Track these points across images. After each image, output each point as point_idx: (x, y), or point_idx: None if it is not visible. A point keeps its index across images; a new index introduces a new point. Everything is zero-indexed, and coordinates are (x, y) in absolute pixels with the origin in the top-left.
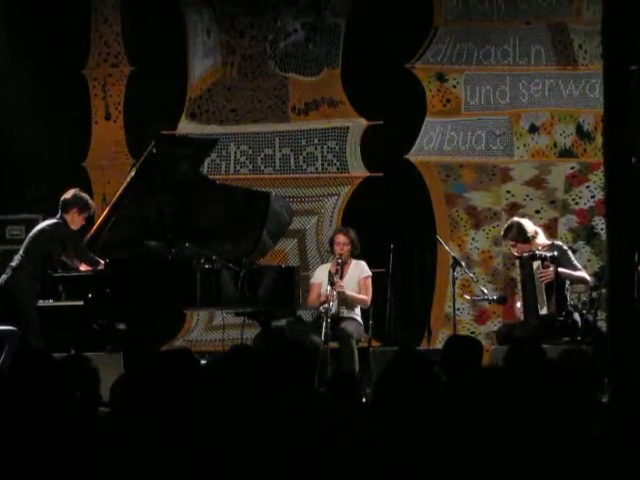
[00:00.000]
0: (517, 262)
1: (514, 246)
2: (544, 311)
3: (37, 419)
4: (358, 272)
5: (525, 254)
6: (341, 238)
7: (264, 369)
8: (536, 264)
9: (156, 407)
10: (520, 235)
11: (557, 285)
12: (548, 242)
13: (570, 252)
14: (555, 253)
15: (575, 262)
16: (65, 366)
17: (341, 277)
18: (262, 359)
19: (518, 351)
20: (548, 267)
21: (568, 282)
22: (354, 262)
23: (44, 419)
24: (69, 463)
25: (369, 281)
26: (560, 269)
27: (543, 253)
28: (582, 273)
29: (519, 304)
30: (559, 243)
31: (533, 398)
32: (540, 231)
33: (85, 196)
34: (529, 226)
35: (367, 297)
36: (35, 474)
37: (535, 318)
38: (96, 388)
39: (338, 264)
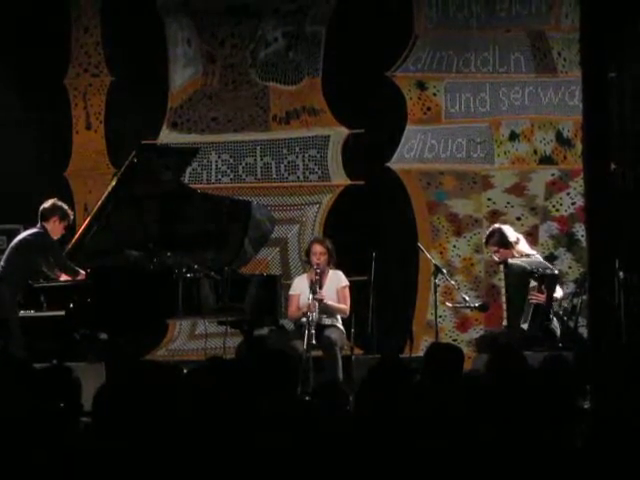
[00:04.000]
0: (501, 267)
1: (496, 252)
2: (524, 326)
3: (18, 429)
4: (336, 282)
5: (525, 265)
6: (317, 248)
7: (246, 378)
8: (533, 283)
9: (138, 417)
10: (502, 241)
11: (544, 309)
12: (530, 251)
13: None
14: (556, 272)
15: None
16: (46, 376)
17: (320, 287)
18: (242, 368)
19: (501, 358)
20: (542, 292)
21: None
22: (331, 272)
23: (25, 429)
24: (50, 474)
25: (347, 291)
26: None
27: (544, 271)
28: (558, 292)
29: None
30: (539, 257)
31: (514, 405)
32: (522, 238)
33: (64, 205)
34: (511, 232)
35: (346, 306)
36: None
37: (514, 328)
38: (78, 398)
39: (317, 274)
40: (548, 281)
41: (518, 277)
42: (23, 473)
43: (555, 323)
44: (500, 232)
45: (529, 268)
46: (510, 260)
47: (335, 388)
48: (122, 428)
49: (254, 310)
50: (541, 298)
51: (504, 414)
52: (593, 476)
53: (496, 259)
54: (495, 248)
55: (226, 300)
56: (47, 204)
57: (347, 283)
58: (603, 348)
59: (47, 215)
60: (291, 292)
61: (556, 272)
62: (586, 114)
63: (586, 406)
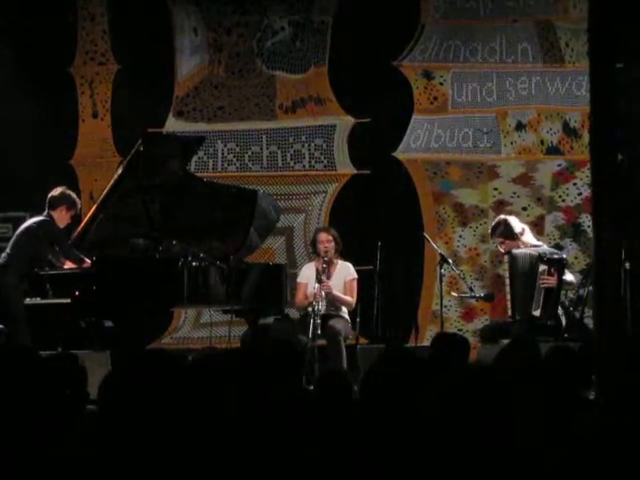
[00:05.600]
0: (506, 257)
1: (502, 243)
2: (537, 313)
3: (23, 417)
4: (344, 273)
5: (532, 252)
6: (324, 237)
7: (250, 367)
8: (542, 267)
9: (144, 405)
10: (507, 232)
11: (556, 292)
12: (536, 242)
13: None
14: (564, 256)
15: None
16: (52, 364)
17: (328, 277)
18: (246, 357)
19: (518, 348)
20: (552, 275)
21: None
22: (340, 263)
23: (30, 417)
24: (55, 461)
25: (355, 283)
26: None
27: (553, 256)
28: (569, 276)
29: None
30: (545, 246)
31: (520, 395)
32: (527, 229)
33: (73, 194)
34: (516, 223)
35: (352, 299)
36: (20, 472)
37: (525, 316)
38: (83, 386)
39: (324, 262)
40: (557, 264)
41: (526, 264)
42: (28, 461)
43: (560, 312)
44: (505, 223)
45: (536, 254)
46: (514, 250)
47: (338, 377)
48: (128, 416)
49: (259, 299)
50: (552, 281)
51: (508, 404)
52: (598, 467)
53: (502, 250)
54: (501, 239)
55: (232, 289)
56: (56, 192)
57: (355, 276)
58: (608, 338)
59: (55, 203)
60: (299, 280)
61: (564, 256)
62: (593, 104)
63: (591, 397)
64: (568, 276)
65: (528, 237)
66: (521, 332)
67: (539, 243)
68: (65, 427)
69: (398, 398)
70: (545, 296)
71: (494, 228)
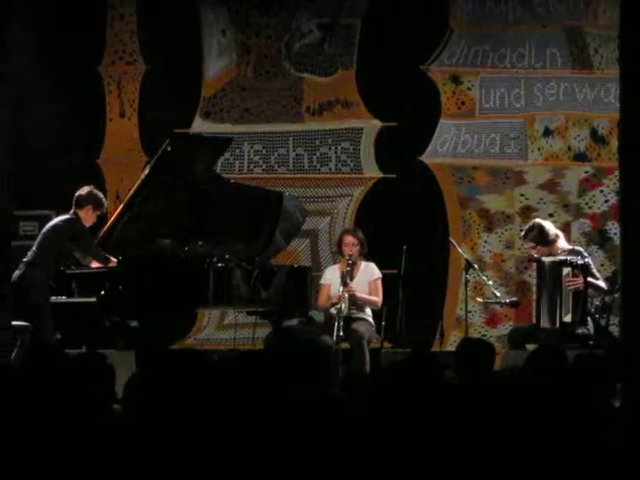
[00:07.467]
0: (534, 264)
1: (534, 247)
2: (568, 318)
3: (49, 415)
4: (368, 274)
5: (555, 258)
6: (349, 239)
7: (275, 368)
8: (566, 270)
9: (170, 405)
10: (541, 237)
11: (583, 295)
12: (569, 247)
13: (590, 259)
14: (587, 260)
15: (594, 270)
16: (80, 363)
17: (351, 279)
18: (270, 359)
19: (545, 355)
20: (577, 276)
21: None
22: (364, 264)
23: (56, 415)
24: (81, 460)
25: (379, 283)
26: (588, 279)
27: (574, 260)
28: (600, 282)
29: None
30: (580, 249)
31: (546, 402)
32: (561, 235)
33: (100, 194)
34: (551, 229)
35: (378, 299)
36: (47, 471)
37: (554, 323)
38: (111, 385)
39: (349, 265)
40: (580, 267)
41: (553, 270)
42: (56, 459)
43: (589, 321)
44: (540, 228)
45: (559, 259)
46: (543, 258)
47: (362, 380)
48: (154, 416)
49: (283, 301)
50: (578, 282)
51: (534, 411)
52: (623, 475)
53: (534, 254)
54: (532, 244)
55: (256, 290)
56: (83, 191)
57: (380, 275)
58: (635, 346)
59: (81, 202)
60: (322, 282)
61: (587, 259)
62: (623, 111)
63: (616, 405)
64: (600, 282)
65: (562, 243)
66: (550, 339)
67: (571, 247)
68: (92, 426)
69: (421, 403)
70: (574, 300)
71: (527, 231)
